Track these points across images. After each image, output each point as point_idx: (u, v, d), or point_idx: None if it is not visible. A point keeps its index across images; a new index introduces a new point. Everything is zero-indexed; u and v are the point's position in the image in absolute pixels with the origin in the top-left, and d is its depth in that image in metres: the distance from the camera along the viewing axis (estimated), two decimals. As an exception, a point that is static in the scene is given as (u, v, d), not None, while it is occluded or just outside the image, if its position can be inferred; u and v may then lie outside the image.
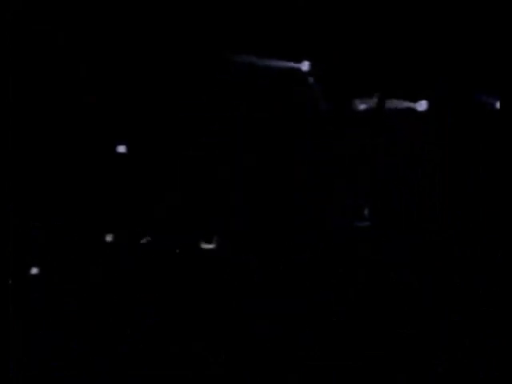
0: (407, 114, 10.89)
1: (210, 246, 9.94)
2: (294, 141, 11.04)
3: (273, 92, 11.02)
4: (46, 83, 10.47)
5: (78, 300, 9.10)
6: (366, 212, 11.00)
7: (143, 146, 10.90)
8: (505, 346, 8.35)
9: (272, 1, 10.26)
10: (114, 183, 10.58)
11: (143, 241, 9.95)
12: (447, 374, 8.19)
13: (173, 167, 10.80)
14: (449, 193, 10.68)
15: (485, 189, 10.46)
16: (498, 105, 10.70)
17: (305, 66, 11.04)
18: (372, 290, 9.44)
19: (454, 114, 10.67)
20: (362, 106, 11.00)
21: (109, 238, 9.95)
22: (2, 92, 9.98)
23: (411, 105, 10.68)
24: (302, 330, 8.58)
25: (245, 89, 10.94)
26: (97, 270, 9.54)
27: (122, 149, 10.86)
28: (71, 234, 10.20)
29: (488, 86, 10.59)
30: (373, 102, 10.76)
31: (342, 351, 8.38)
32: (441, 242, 10.26)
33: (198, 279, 9.38)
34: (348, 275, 9.81)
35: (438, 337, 8.62)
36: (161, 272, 9.70)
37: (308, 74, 11.19)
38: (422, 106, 10.81)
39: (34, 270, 9.55)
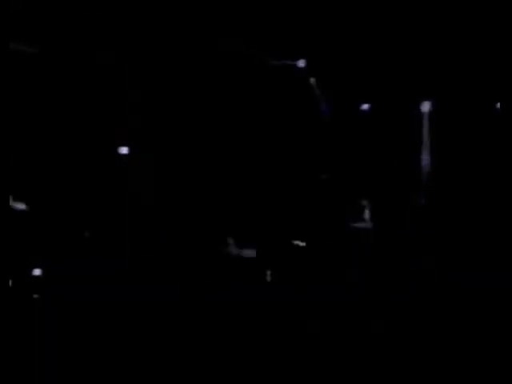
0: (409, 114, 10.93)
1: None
2: (294, 141, 11.05)
3: (273, 94, 11.02)
4: (47, 85, 10.48)
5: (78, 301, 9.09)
6: (366, 213, 11.01)
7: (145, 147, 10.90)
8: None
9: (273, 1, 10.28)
10: (115, 184, 10.58)
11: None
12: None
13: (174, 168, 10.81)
14: (448, 193, 10.71)
15: (485, 189, 10.48)
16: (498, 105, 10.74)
17: (301, 63, 11.05)
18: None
19: (455, 114, 10.69)
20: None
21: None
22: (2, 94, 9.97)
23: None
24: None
25: (244, 90, 10.94)
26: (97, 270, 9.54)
27: (124, 150, 10.86)
28: (73, 235, 10.22)
29: (488, 87, 10.61)
30: None
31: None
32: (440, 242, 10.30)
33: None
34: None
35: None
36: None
37: (309, 74, 11.18)
38: (425, 106, 10.84)
39: (37, 272, 9.54)
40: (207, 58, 10.53)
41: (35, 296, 9.15)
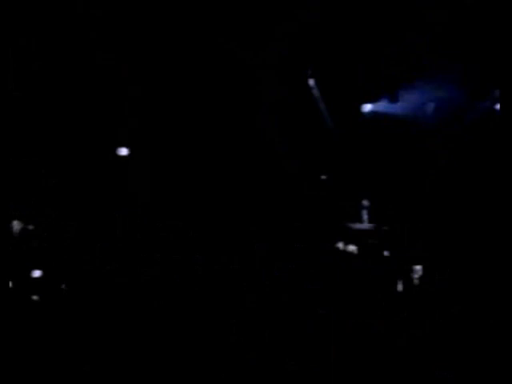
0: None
1: None
2: (293, 142, 11.09)
3: (273, 94, 11.06)
4: (47, 86, 10.52)
5: (78, 301, 9.11)
6: (365, 215, 11.04)
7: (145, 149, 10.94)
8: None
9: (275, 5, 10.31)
10: (115, 184, 10.61)
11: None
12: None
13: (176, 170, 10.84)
14: (449, 194, 10.74)
15: (486, 190, 10.51)
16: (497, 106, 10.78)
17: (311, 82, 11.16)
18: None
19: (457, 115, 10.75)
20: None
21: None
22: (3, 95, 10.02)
23: None
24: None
25: (244, 90, 10.98)
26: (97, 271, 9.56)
27: (123, 151, 10.88)
28: (72, 237, 10.24)
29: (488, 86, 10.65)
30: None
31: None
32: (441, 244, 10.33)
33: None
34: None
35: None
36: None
37: (313, 87, 11.22)
38: (430, 107, 10.90)
39: (37, 273, 9.55)
40: (207, 57, 10.57)
41: (34, 297, 9.17)
